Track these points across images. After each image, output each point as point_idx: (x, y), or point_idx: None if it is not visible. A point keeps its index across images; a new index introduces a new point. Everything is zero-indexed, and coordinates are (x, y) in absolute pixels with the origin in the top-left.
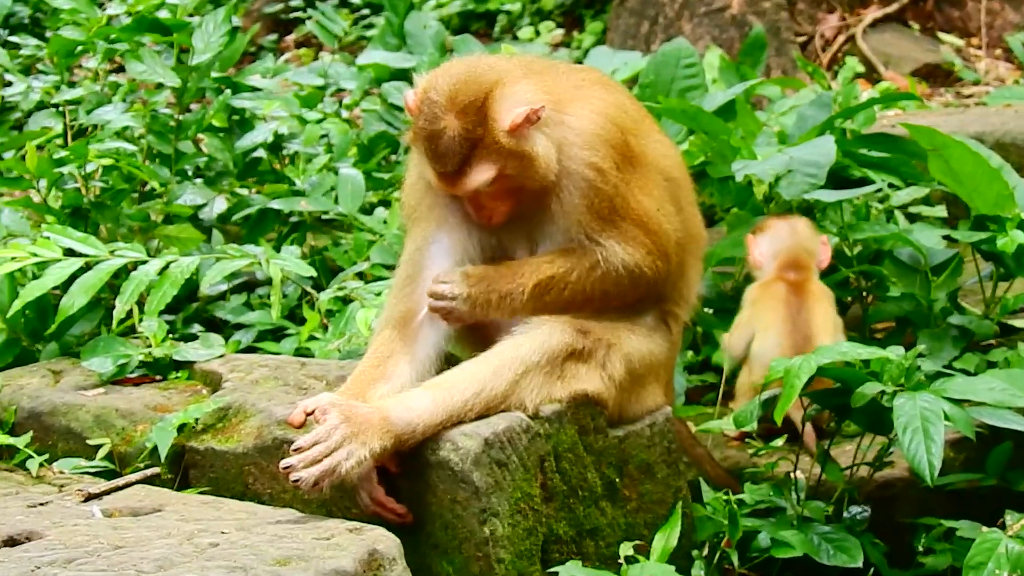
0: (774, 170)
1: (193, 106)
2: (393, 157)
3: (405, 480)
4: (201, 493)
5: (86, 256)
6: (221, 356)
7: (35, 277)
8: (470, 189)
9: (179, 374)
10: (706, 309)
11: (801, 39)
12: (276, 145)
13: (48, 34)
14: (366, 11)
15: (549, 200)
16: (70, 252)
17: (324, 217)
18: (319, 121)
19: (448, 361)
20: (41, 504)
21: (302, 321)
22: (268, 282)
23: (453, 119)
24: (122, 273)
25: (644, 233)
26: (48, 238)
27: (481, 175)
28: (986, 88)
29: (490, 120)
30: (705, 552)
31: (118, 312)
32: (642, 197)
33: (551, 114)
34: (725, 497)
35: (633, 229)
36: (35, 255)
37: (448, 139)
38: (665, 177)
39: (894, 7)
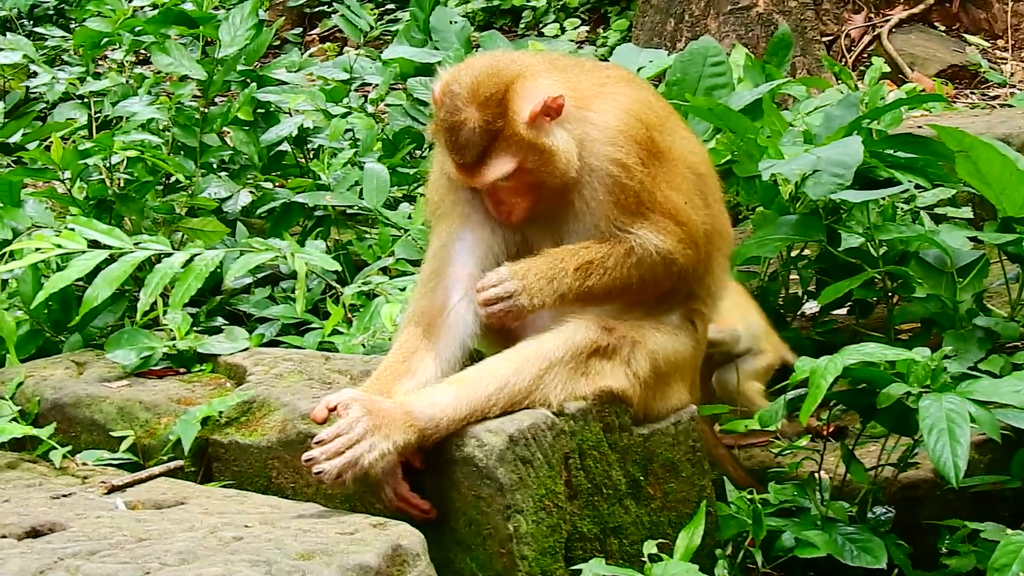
0: (801, 169)
1: (218, 99)
2: (418, 152)
3: (429, 476)
4: (224, 486)
5: (110, 248)
6: (245, 349)
7: (59, 268)
8: (488, 181)
9: (203, 367)
10: None
11: (827, 39)
12: (301, 139)
13: (73, 25)
14: (391, 6)
15: (572, 197)
16: (94, 244)
17: (349, 212)
18: (344, 116)
19: (473, 358)
20: (64, 495)
21: (326, 315)
22: (292, 276)
23: (474, 111)
24: (146, 265)
25: (674, 223)
26: (72, 230)
27: (500, 167)
28: (1012, 90)
29: (511, 113)
30: (729, 551)
31: (142, 304)
32: (669, 191)
33: (574, 111)
34: (749, 496)
35: (663, 220)
36: (59, 246)
37: (468, 131)
38: (692, 172)
39: (920, 8)
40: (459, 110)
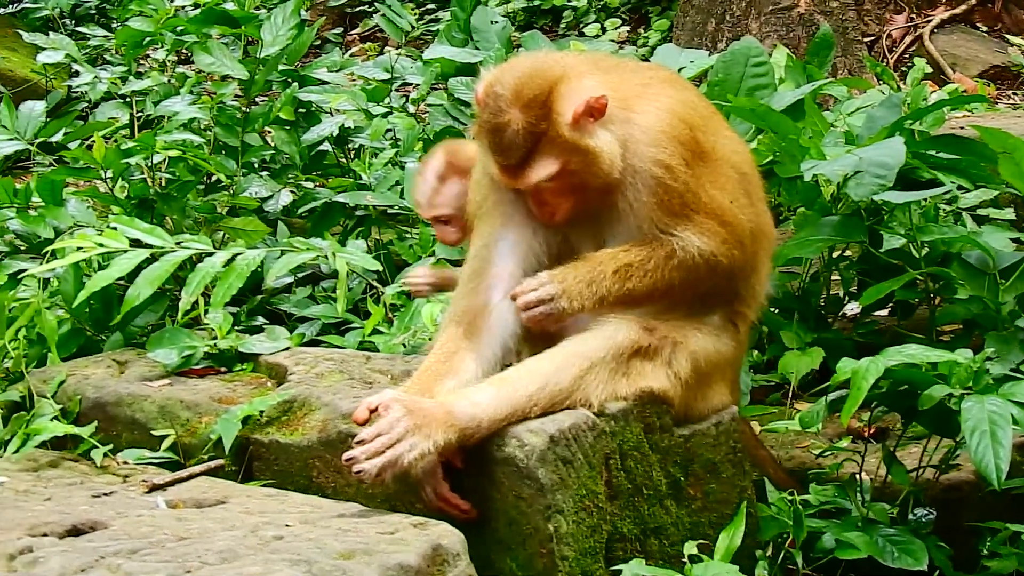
0: (843, 170)
1: (260, 99)
2: None
3: (470, 476)
4: (265, 486)
5: (152, 247)
6: (286, 349)
7: (101, 267)
8: (532, 183)
9: (244, 366)
10: (772, 309)
11: (868, 40)
12: (342, 139)
13: (115, 24)
14: (432, 6)
15: (615, 198)
16: (136, 243)
17: (390, 211)
18: (385, 115)
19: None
20: (105, 494)
21: (366, 315)
22: (333, 275)
23: (517, 112)
24: (187, 264)
25: (719, 224)
26: (114, 229)
27: (544, 169)
28: None
29: (554, 114)
30: (769, 552)
31: (183, 304)
32: (714, 191)
33: (617, 112)
34: (790, 497)
35: (707, 221)
36: (101, 245)
37: (512, 132)
38: (736, 172)
39: (961, 8)
40: (502, 111)
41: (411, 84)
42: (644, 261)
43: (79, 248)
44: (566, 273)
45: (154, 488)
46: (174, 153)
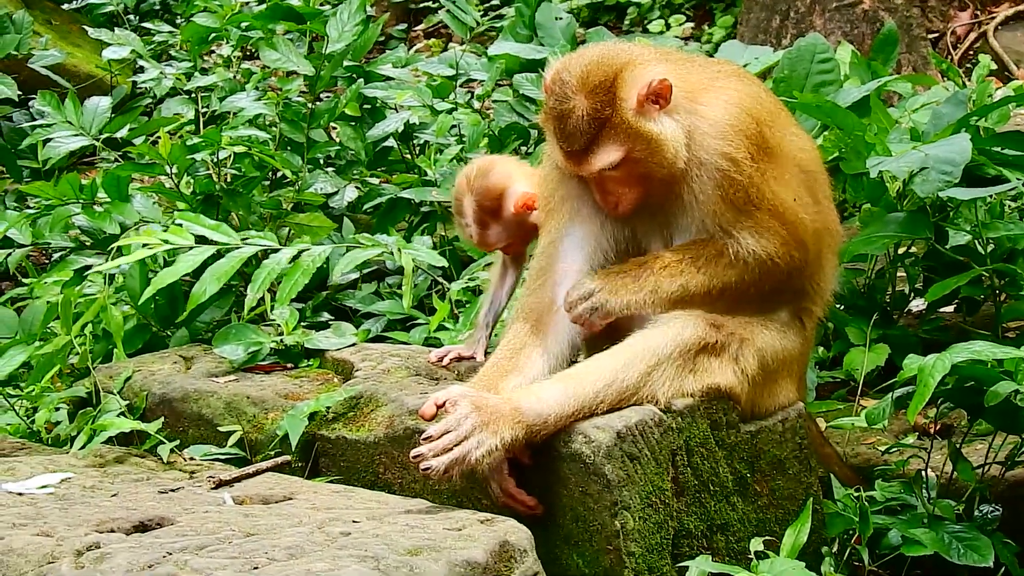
0: (909, 167)
1: (325, 95)
2: (524, 148)
3: (536, 472)
4: (332, 482)
5: (218, 244)
6: (353, 345)
7: (166, 263)
8: (595, 169)
9: (310, 362)
10: (837, 305)
11: (932, 36)
12: (407, 135)
13: (179, 20)
14: (496, 2)
15: (681, 190)
16: (201, 240)
17: None
18: (450, 111)
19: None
20: (172, 490)
21: (432, 311)
22: (398, 272)
23: (582, 99)
24: (253, 261)
25: (780, 224)
26: (180, 226)
27: (608, 156)
28: None
29: (619, 100)
30: (835, 549)
31: (249, 300)
32: (778, 188)
33: (684, 102)
34: (856, 494)
35: (768, 220)
36: (167, 243)
37: (576, 118)
38: (801, 170)
39: None
40: (568, 98)
41: (476, 80)
42: (693, 260)
43: (145, 245)
44: (609, 270)
45: (221, 484)
46: (240, 149)
